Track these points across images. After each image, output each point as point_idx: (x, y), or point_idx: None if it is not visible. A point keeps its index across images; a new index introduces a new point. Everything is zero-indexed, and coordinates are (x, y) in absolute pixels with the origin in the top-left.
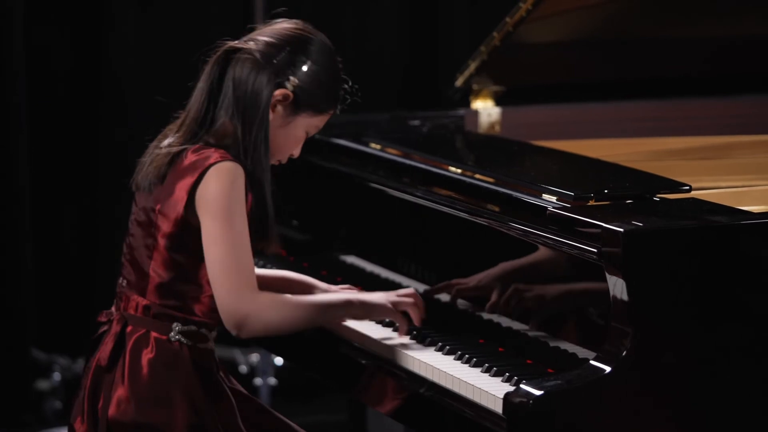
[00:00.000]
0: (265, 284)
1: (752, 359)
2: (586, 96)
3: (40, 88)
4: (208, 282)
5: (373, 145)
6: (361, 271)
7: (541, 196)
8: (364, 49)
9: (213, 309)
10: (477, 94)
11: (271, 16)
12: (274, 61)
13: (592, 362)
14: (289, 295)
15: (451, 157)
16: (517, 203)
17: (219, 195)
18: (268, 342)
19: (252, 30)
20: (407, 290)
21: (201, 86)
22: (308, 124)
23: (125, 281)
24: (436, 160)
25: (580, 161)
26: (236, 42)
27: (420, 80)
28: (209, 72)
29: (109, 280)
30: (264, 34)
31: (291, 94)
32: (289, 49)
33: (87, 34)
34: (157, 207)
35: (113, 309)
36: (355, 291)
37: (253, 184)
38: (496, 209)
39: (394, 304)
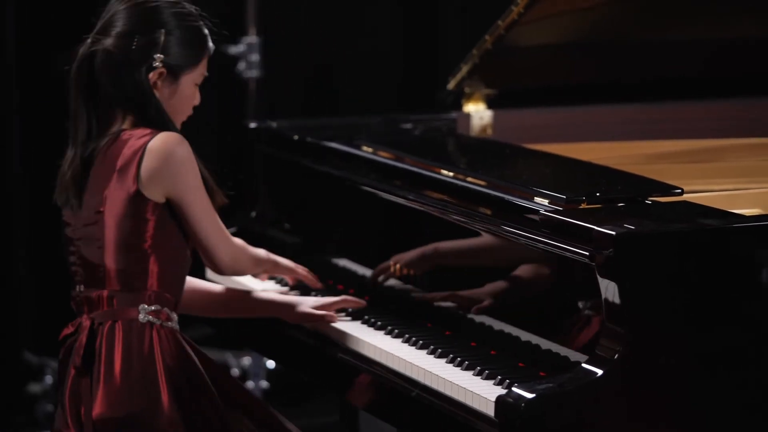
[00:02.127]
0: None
1: (745, 361)
2: (578, 99)
3: (35, 90)
4: (160, 259)
5: (365, 148)
6: (353, 274)
7: (533, 199)
8: (360, 51)
9: (169, 283)
10: (469, 97)
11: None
12: (133, 48)
13: (584, 365)
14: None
15: (443, 161)
16: (509, 206)
17: (184, 160)
18: (261, 345)
19: (96, 13)
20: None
21: (76, 97)
22: (194, 77)
23: (81, 286)
24: (428, 164)
25: (571, 164)
26: (89, 43)
27: (417, 82)
28: (77, 80)
29: None
30: (113, 25)
31: (164, 69)
32: (141, 31)
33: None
34: (101, 208)
35: (78, 318)
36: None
37: None
38: (488, 212)
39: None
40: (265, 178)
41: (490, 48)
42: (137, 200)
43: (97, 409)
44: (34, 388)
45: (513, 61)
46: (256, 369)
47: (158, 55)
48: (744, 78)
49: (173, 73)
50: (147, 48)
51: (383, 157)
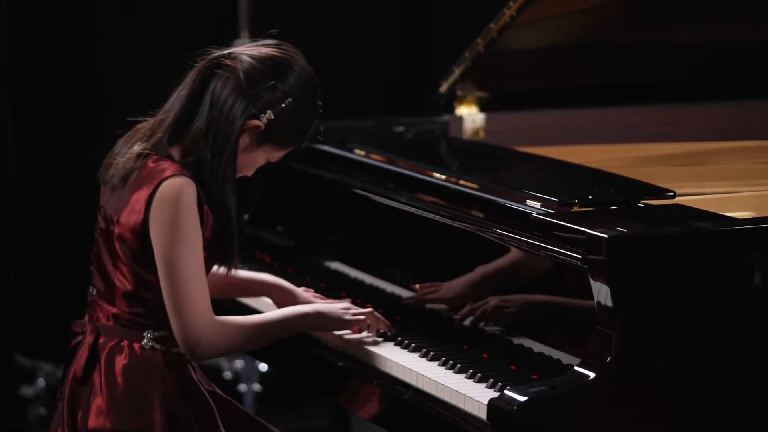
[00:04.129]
0: (240, 286)
1: (738, 363)
2: (570, 101)
3: (28, 96)
4: None
5: (357, 151)
6: (345, 278)
7: (526, 202)
8: (353, 54)
9: None
10: (461, 100)
11: (265, 35)
12: (257, 89)
13: (576, 368)
14: (241, 318)
15: (435, 163)
16: (502, 209)
17: (168, 218)
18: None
19: (238, 39)
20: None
21: (182, 94)
22: (271, 154)
23: (95, 290)
24: (421, 167)
25: (564, 167)
26: (223, 54)
27: (410, 85)
28: (192, 81)
29: None
30: (252, 56)
31: (262, 126)
32: (274, 80)
33: (73, 46)
34: (116, 217)
35: (86, 319)
36: (319, 301)
37: (218, 208)
38: (481, 215)
39: (354, 314)
40: (257, 181)
41: (482, 51)
42: (148, 229)
43: (93, 420)
44: (27, 391)
45: (505, 64)
46: (248, 372)
47: (270, 111)
48: (737, 81)
49: (263, 136)
50: (266, 97)
51: (376, 160)
